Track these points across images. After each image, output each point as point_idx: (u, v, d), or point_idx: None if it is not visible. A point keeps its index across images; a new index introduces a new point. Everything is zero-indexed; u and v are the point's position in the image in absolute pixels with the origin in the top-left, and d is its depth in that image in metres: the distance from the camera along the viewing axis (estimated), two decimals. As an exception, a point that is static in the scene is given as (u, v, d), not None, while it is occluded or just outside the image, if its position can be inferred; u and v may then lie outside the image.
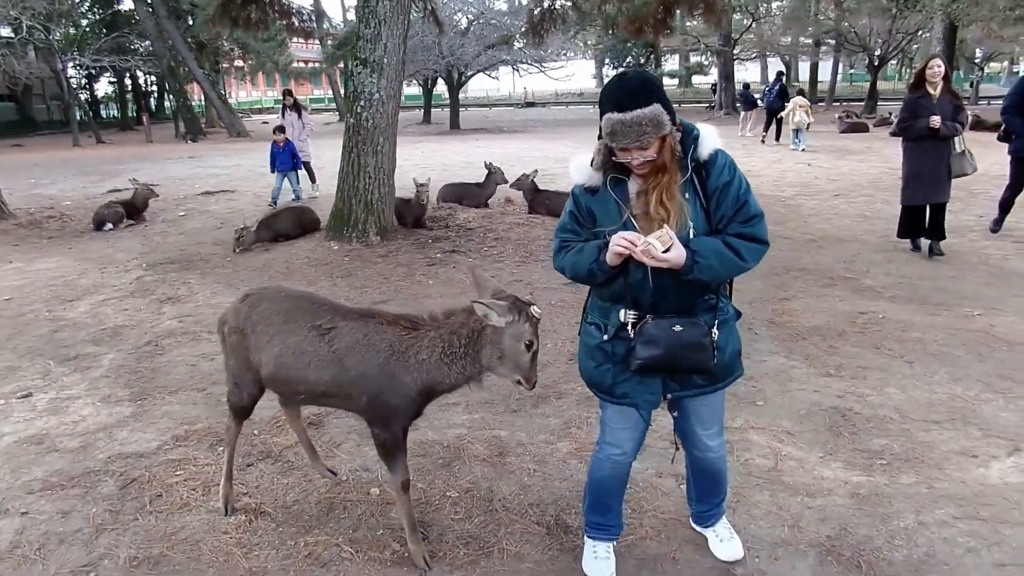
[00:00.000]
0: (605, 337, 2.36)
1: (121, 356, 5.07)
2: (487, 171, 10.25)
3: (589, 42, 44.11)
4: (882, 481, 3.22)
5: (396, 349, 2.57)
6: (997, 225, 7.78)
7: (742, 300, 5.79)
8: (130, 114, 41.20)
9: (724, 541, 2.75)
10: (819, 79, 38.68)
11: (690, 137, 2.21)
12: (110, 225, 9.60)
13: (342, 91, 37.85)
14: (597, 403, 4.06)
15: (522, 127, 30.13)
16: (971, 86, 36.69)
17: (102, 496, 3.26)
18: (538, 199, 9.53)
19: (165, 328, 5.63)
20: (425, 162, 16.51)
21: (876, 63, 32.60)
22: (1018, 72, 44.80)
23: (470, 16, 29.24)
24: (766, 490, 3.17)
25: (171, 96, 33.55)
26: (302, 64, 46.10)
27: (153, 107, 44.04)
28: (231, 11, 9.36)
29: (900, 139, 6.93)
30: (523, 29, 12.73)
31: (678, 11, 11.64)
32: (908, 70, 49.20)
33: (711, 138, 2.23)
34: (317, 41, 31.42)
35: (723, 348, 2.34)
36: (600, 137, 2.17)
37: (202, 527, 3.00)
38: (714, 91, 36.65)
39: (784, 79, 22.06)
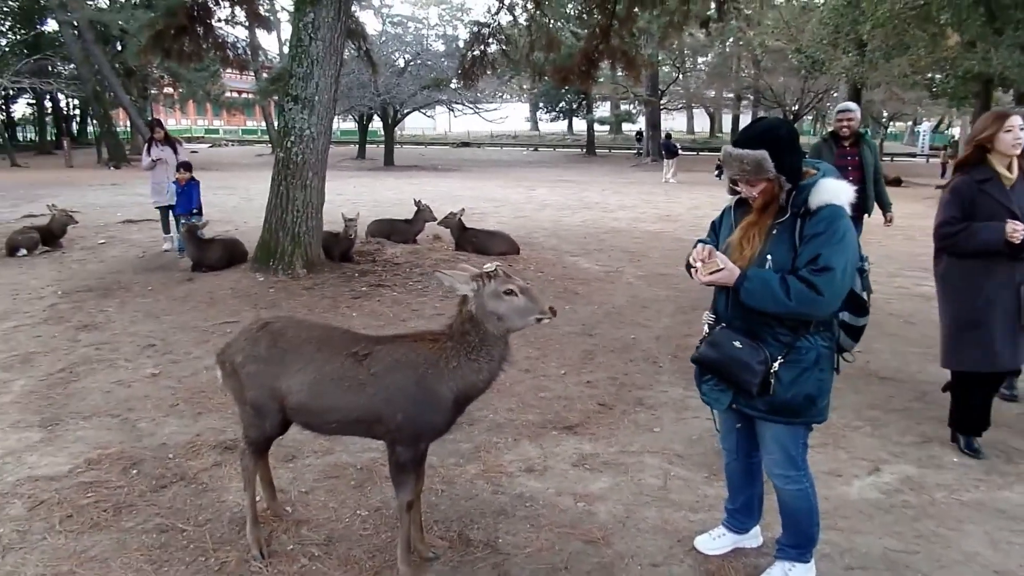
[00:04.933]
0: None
1: (32, 382, 5.01)
2: (416, 208, 10.52)
3: (524, 86, 45.36)
4: (757, 498, 3.55)
5: (430, 361, 2.74)
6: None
7: (650, 335, 6.19)
8: (49, 137, 39.76)
9: None
10: (740, 131, 41.01)
11: (805, 187, 2.47)
12: (24, 251, 9.35)
13: (275, 124, 37.68)
14: (504, 430, 4.33)
15: (456, 166, 30.61)
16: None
17: (9, 517, 3.27)
18: (464, 237, 9.81)
19: (80, 355, 5.58)
20: (358, 197, 16.65)
21: (792, 118, 34.78)
22: (920, 131, 48.42)
23: (407, 56, 29.81)
24: (654, 507, 3.47)
25: (95, 121, 32.62)
26: (235, 95, 45.69)
27: (75, 131, 42.67)
28: (164, 42, 9.33)
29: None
30: (457, 72, 13.14)
31: (602, 64, 12.24)
32: (821, 126, 52.42)
33: (828, 193, 2.44)
34: (252, 73, 31.28)
35: (785, 383, 2.54)
36: None
37: (112, 546, 3.07)
38: (638, 139, 38.21)
39: None
